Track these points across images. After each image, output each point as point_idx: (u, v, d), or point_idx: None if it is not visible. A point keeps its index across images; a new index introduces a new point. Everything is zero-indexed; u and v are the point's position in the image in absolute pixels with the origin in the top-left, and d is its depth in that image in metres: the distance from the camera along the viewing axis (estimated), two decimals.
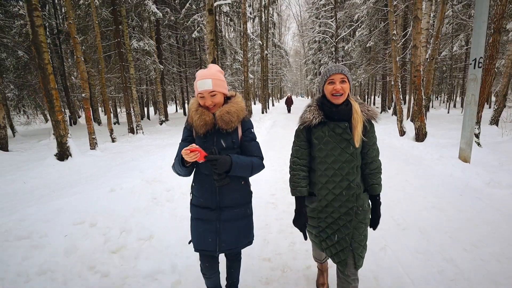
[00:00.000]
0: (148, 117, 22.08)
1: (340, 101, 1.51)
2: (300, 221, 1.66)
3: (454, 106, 21.23)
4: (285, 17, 51.46)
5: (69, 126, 10.74)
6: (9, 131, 10.86)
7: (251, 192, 1.75)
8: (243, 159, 1.54)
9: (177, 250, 2.56)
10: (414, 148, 6.77)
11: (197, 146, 1.40)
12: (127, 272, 2.28)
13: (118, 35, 11.53)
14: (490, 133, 7.85)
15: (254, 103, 36.34)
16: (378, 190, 1.65)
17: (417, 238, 2.74)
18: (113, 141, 9.89)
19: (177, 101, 33.61)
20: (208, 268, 1.73)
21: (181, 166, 1.49)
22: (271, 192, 4.13)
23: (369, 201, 1.68)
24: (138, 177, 3.97)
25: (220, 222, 1.61)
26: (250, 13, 23.63)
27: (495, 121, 8.33)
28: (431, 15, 10.76)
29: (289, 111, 21.03)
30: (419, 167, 5.20)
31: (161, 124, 14.53)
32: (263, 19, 21.81)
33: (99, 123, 17.28)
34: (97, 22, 9.84)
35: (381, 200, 1.68)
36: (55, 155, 6.37)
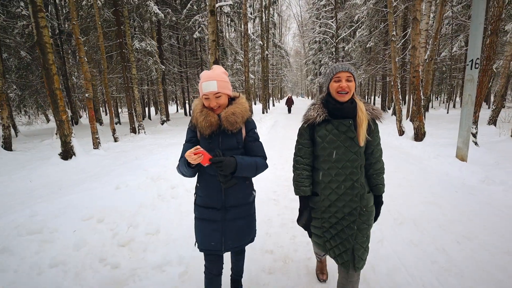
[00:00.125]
0: (149, 117, 22.17)
1: (345, 99, 1.51)
2: (304, 220, 1.67)
3: (454, 106, 21.23)
4: (286, 18, 51.63)
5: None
6: (11, 131, 10.94)
7: (254, 191, 1.77)
8: (248, 159, 1.55)
9: (184, 243, 2.67)
10: (413, 147, 6.85)
11: (202, 149, 1.40)
12: (136, 264, 2.39)
13: (120, 35, 11.63)
14: (488, 133, 7.93)
15: (255, 103, 36.49)
16: (382, 190, 1.65)
17: (412, 231, 2.86)
18: (115, 140, 9.99)
19: (178, 101, 33.70)
20: (213, 265, 1.73)
21: (187, 167, 1.48)
22: (273, 189, 4.24)
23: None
24: (142, 175, 4.07)
25: (225, 222, 1.61)
26: (251, 14, 23.74)
27: (493, 121, 8.42)
28: (431, 16, 10.85)
29: (289, 111, 21.04)
30: (417, 166, 5.29)
31: (162, 124, 14.59)
32: (263, 19, 21.88)
33: (101, 123, 17.36)
34: (99, 22, 9.93)
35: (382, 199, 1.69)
36: (59, 155, 6.45)
